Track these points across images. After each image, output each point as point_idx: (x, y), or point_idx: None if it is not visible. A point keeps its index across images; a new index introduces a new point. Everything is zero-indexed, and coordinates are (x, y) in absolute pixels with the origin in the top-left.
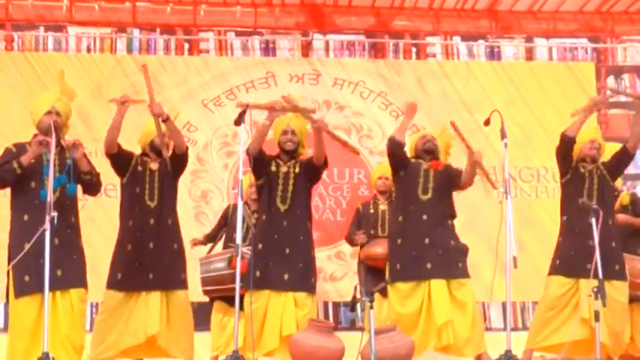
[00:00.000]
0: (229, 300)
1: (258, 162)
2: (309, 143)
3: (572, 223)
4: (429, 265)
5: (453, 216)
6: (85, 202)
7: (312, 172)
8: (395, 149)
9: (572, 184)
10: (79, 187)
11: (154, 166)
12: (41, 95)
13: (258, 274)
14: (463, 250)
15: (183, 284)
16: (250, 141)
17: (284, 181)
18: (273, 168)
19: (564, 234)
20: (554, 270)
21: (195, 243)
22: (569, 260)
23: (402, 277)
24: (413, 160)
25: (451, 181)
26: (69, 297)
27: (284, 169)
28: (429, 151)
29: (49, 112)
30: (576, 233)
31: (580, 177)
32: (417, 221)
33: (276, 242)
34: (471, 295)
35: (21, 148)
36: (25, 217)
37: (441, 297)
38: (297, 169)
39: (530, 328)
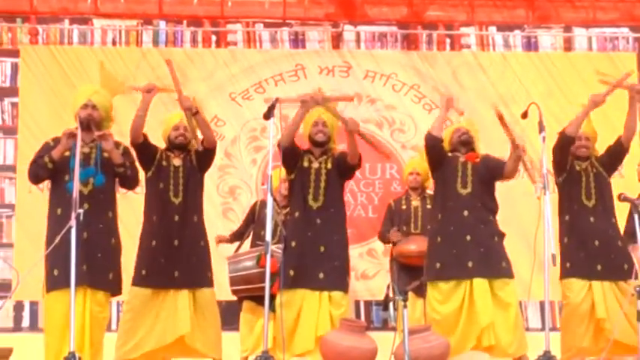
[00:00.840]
0: (258, 299)
1: (290, 155)
2: (339, 139)
3: (574, 223)
4: (470, 264)
5: (495, 210)
6: None
7: (345, 169)
8: (433, 145)
9: (569, 183)
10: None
11: (176, 162)
12: (80, 88)
13: (292, 272)
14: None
15: (209, 282)
16: (282, 133)
17: (316, 177)
18: (305, 163)
19: (569, 235)
20: (567, 273)
21: (221, 240)
22: (580, 263)
23: (442, 276)
24: (450, 155)
25: (492, 172)
26: (88, 297)
27: (315, 164)
28: (465, 142)
29: (85, 106)
30: (580, 235)
31: (576, 175)
32: (458, 218)
33: (310, 240)
34: (515, 296)
35: (59, 142)
36: (59, 211)
37: (484, 297)
38: (329, 165)
39: (561, 338)
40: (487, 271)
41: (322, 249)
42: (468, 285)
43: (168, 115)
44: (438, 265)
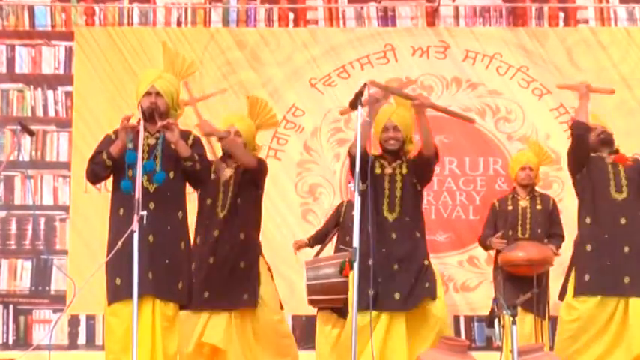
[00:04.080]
0: (339, 311)
1: (362, 164)
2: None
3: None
4: (626, 279)
5: None
6: None
7: (423, 167)
8: (581, 136)
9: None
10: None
11: (228, 172)
12: (142, 73)
13: (372, 292)
14: None
15: (246, 303)
16: (352, 142)
17: (390, 185)
18: (378, 170)
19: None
20: None
21: (300, 246)
22: None
23: (590, 289)
24: (592, 154)
25: None
26: (155, 308)
27: (389, 170)
28: (605, 142)
29: (148, 93)
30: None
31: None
32: (613, 225)
33: (384, 257)
34: None
35: None
36: (121, 212)
37: None
38: (404, 170)
39: None
40: None
41: (396, 266)
42: (618, 304)
43: (221, 120)
44: (587, 277)
